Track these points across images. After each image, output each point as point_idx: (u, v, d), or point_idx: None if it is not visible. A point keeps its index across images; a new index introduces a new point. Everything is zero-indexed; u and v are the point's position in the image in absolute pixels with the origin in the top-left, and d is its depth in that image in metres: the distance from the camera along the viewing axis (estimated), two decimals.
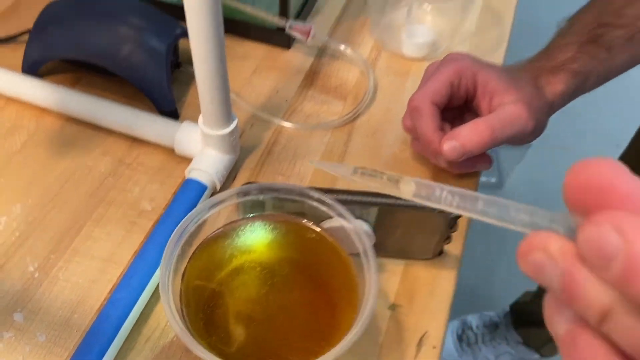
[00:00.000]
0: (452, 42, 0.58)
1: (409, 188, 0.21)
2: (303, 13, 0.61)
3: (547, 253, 0.17)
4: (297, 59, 0.57)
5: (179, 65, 0.53)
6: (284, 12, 0.55)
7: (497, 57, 0.58)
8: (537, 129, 0.43)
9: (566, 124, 1.58)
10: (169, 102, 0.48)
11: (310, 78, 0.55)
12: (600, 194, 0.16)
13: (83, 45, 0.48)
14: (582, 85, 0.46)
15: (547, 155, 1.54)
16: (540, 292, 1.12)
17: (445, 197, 0.20)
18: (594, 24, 0.46)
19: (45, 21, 0.51)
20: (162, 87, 0.48)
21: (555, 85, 0.44)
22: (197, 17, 0.36)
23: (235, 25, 0.57)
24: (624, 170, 0.16)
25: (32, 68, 0.51)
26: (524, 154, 1.50)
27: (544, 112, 0.44)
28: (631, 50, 0.47)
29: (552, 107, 0.45)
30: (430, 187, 0.21)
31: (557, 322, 0.18)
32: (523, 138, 0.43)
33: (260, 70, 0.56)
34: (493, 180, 1.58)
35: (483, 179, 1.60)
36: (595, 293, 0.16)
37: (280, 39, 0.57)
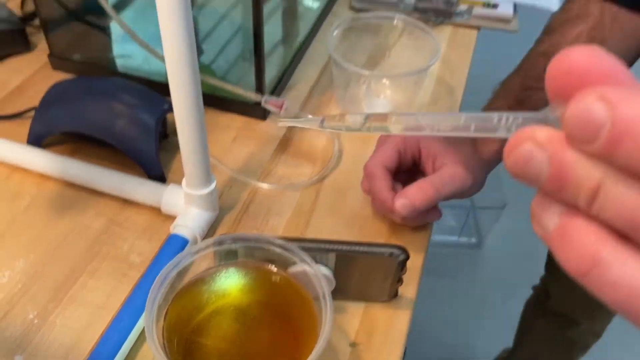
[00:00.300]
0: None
1: (397, 126, 0.22)
2: (278, 89, 0.69)
3: (535, 142, 0.17)
4: (272, 128, 0.64)
5: (166, 135, 0.60)
6: (260, 88, 0.63)
7: None
8: (476, 185, 0.50)
9: None
10: (156, 169, 0.55)
11: (284, 145, 0.62)
12: (581, 77, 0.16)
13: (83, 120, 0.55)
14: None
15: (523, 213, 1.61)
16: (515, 347, 1.16)
17: (429, 122, 0.21)
18: (520, 88, 0.54)
19: (50, 99, 0.58)
20: (151, 156, 0.54)
21: (490, 145, 0.52)
22: (180, 96, 0.43)
23: (218, 100, 0.65)
24: (601, 53, 0.16)
25: (37, 140, 0.58)
26: (500, 214, 1.57)
27: (481, 169, 0.51)
28: None
29: (489, 164, 0.52)
30: (413, 118, 0.21)
31: (546, 220, 0.18)
32: (464, 193, 0.50)
33: (240, 139, 0.63)
34: (473, 240, 1.64)
35: (463, 239, 1.66)
36: (585, 171, 0.16)
37: (257, 111, 0.64)
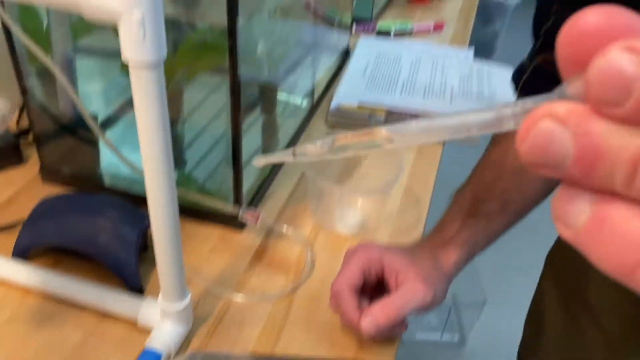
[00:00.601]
0: (378, 222, 0.70)
1: (384, 133, 0.20)
2: (256, 198, 0.73)
3: (555, 118, 0.14)
4: (248, 238, 0.68)
5: (146, 248, 0.63)
6: (237, 201, 0.67)
7: (416, 234, 0.69)
8: (437, 298, 0.53)
9: (519, 280, 1.69)
10: (136, 282, 0.58)
11: (259, 255, 0.66)
12: (598, 37, 0.14)
13: (67, 235, 0.58)
14: (472, 252, 0.56)
15: (503, 309, 1.62)
16: None
17: (424, 129, 0.19)
18: (471, 201, 0.58)
19: (37, 215, 0.61)
20: (131, 270, 0.57)
21: (449, 257, 0.55)
22: (157, 220, 0.47)
23: (197, 212, 0.69)
24: (616, 8, 0.14)
25: (22, 253, 0.60)
26: (481, 311, 1.58)
27: (441, 282, 0.54)
28: (505, 216, 0.58)
29: (449, 276, 0.55)
30: (406, 128, 0.19)
31: (574, 215, 0.15)
32: (426, 307, 0.52)
33: (217, 250, 0.66)
34: (455, 339, 1.64)
35: (446, 338, 1.65)
36: (619, 141, 0.14)
37: (235, 223, 0.68)
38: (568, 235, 0.15)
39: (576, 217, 0.15)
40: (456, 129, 0.18)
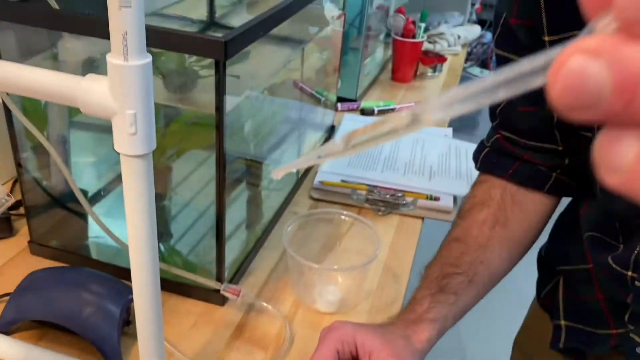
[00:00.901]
0: (357, 299, 0.72)
1: (430, 114, 0.19)
2: (239, 273, 0.75)
3: (586, 51, 0.14)
4: (229, 314, 0.69)
5: (129, 323, 0.64)
6: (219, 275, 0.69)
7: (395, 311, 0.71)
8: None
9: (506, 354, 1.68)
10: (117, 357, 0.59)
11: (239, 330, 0.67)
12: None
13: (52, 310, 0.60)
14: (443, 327, 0.58)
15: None
16: None
17: (454, 100, 0.17)
18: (440, 276, 0.60)
19: (24, 287, 0.63)
20: (112, 345, 0.58)
21: (420, 334, 0.57)
22: (139, 298, 0.49)
23: (180, 287, 0.70)
24: None
25: (5, 326, 0.61)
26: None
27: (413, 359, 0.55)
28: (473, 290, 0.60)
29: (421, 353, 0.56)
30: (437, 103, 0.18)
31: (620, 155, 0.14)
32: None
33: (198, 325, 0.67)
34: None
35: None
36: None
37: (217, 298, 0.70)
38: (615, 182, 0.14)
39: (622, 158, 0.14)
40: (486, 95, 0.17)
